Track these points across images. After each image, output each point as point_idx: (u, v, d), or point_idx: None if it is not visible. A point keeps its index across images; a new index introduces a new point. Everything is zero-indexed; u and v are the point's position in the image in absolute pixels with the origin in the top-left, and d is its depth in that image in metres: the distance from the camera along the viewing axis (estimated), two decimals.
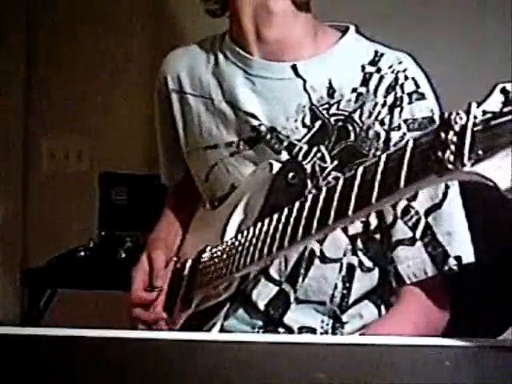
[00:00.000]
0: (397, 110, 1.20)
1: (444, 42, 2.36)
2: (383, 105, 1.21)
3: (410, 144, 0.75)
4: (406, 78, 1.22)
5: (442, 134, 0.70)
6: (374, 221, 1.24)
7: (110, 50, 2.61)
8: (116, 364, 0.85)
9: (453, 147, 0.69)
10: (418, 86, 1.22)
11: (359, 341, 0.94)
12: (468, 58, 2.36)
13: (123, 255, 2.22)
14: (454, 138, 0.68)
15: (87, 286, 2.23)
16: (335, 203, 0.85)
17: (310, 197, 0.91)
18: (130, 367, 0.84)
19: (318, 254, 1.24)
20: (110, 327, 0.94)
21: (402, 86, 1.21)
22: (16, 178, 2.65)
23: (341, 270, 1.25)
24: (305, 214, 0.91)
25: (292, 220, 0.94)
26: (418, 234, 1.19)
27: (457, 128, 0.68)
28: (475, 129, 0.67)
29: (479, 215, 1.23)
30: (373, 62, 1.24)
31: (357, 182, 0.82)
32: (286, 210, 0.97)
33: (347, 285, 1.26)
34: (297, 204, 0.94)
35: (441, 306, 1.22)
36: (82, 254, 2.25)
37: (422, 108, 1.21)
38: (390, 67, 1.23)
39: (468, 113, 0.68)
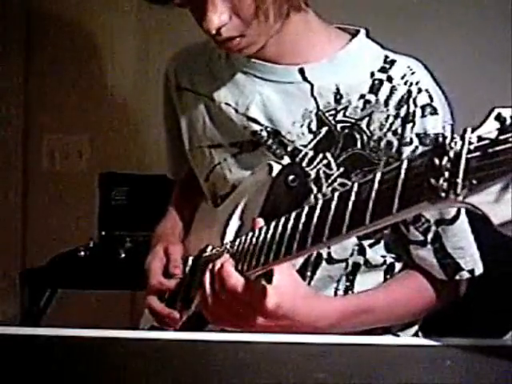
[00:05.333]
0: (409, 125, 1.18)
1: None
2: (395, 116, 1.19)
3: (404, 166, 0.73)
4: (420, 90, 1.19)
5: (436, 160, 0.67)
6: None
7: (110, 48, 2.61)
8: (116, 364, 0.85)
9: (447, 174, 0.66)
10: (431, 100, 1.19)
11: (359, 341, 0.94)
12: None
13: (123, 255, 2.22)
14: (448, 165, 0.66)
15: (87, 286, 2.23)
16: (329, 221, 0.83)
17: (305, 210, 0.90)
18: (130, 367, 0.84)
19: (325, 256, 1.24)
20: (110, 327, 0.94)
21: (415, 99, 1.19)
22: (16, 177, 2.65)
23: (346, 268, 1.26)
24: (300, 228, 0.89)
25: (287, 233, 0.92)
26: (429, 238, 1.20)
27: (451, 154, 0.66)
28: (470, 156, 0.65)
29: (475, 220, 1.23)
30: (383, 69, 1.22)
31: (351, 201, 0.80)
32: (281, 222, 0.95)
33: (350, 277, 1.26)
34: (292, 216, 0.93)
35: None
36: (82, 253, 2.25)
37: (434, 124, 1.19)
38: (403, 77, 1.20)
39: (463, 139, 0.66)
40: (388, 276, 1.28)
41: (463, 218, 1.20)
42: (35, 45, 2.62)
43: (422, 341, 0.97)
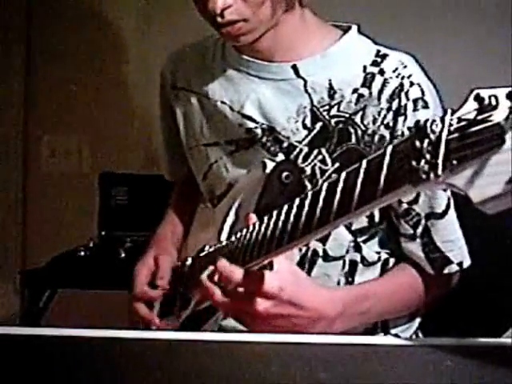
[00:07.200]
0: (401, 119, 1.19)
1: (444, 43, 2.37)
2: (388, 110, 1.20)
3: (389, 151, 0.74)
4: (412, 84, 1.20)
5: (417, 143, 0.68)
6: (377, 215, 1.26)
7: (110, 48, 2.61)
8: (116, 364, 0.85)
9: (428, 156, 0.67)
10: (423, 94, 1.20)
11: (359, 341, 0.94)
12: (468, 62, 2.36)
13: (123, 255, 2.22)
14: (429, 147, 0.67)
15: (87, 286, 2.23)
16: (319, 209, 0.85)
17: (296, 202, 0.91)
18: (130, 367, 0.84)
19: (321, 253, 1.25)
20: (110, 327, 0.94)
21: (407, 92, 1.19)
22: (16, 177, 2.65)
23: (343, 266, 1.26)
24: (291, 220, 0.91)
25: (280, 226, 0.94)
26: (418, 232, 1.21)
27: (432, 136, 0.67)
28: (450, 137, 0.66)
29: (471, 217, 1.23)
30: (375, 63, 1.23)
31: (339, 188, 0.81)
32: (274, 216, 0.97)
33: (349, 279, 1.27)
34: (284, 210, 0.94)
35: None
36: (82, 253, 2.25)
37: (425, 118, 1.18)
38: (395, 71, 1.21)
39: (443, 121, 0.67)
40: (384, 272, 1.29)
41: (452, 211, 1.20)
42: (35, 44, 2.62)
43: (421, 341, 0.97)
